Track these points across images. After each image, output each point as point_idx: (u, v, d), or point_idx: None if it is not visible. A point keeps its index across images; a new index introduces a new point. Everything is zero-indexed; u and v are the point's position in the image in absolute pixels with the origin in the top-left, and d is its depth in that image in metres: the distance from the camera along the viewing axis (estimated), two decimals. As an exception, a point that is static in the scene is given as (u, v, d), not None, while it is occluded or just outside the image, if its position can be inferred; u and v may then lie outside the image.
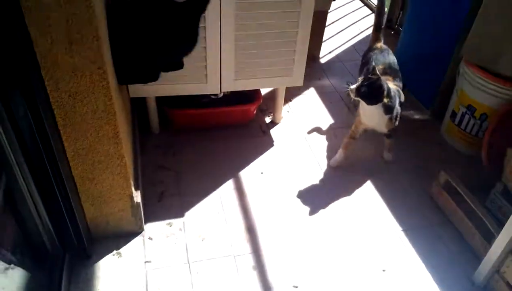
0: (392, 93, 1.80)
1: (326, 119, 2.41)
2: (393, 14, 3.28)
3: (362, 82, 1.75)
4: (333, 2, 2.74)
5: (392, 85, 1.87)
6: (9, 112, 1.15)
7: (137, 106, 2.16)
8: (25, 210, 1.34)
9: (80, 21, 1.09)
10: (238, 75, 1.99)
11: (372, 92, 1.74)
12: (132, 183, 1.57)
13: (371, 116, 1.89)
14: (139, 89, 1.92)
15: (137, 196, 1.62)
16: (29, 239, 1.42)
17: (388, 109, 1.82)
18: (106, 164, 1.44)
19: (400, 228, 1.82)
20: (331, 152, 2.17)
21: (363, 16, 3.54)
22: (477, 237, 1.68)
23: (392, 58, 2.10)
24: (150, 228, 1.72)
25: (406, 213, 1.88)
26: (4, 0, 1.00)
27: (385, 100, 1.76)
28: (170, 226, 1.75)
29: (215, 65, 1.92)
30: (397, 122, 1.92)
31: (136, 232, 1.69)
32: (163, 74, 1.89)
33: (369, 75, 1.74)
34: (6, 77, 1.11)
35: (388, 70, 2.00)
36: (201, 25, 1.77)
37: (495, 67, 1.95)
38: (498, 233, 1.50)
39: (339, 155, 2.07)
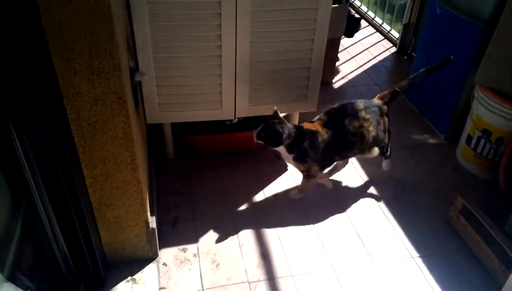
0: (294, 135, 1.82)
1: (339, 144, 2.41)
2: (405, 39, 3.31)
3: (261, 127, 1.83)
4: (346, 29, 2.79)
5: (320, 129, 1.86)
6: (31, 140, 1.18)
7: (153, 132, 2.20)
8: (43, 236, 1.35)
9: (102, 52, 1.13)
10: (253, 101, 2.01)
11: (269, 136, 1.82)
12: (147, 208, 1.59)
13: (284, 156, 1.93)
14: (155, 116, 1.96)
15: (152, 222, 1.63)
16: (46, 265, 1.43)
17: (291, 150, 1.84)
18: (123, 190, 1.46)
19: (417, 254, 1.78)
20: (345, 176, 2.17)
21: (375, 41, 3.58)
22: (496, 263, 1.64)
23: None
24: (165, 254, 1.72)
25: (423, 239, 1.85)
26: (30, 33, 1.05)
27: (285, 142, 1.81)
28: (185, 251, 1.75)
29: (230, 92, 1.95)
30: (308, 164, 1.89)
31: (150, 258, 1.69)
32: (179, 102, 1.94)
33: (270, 119, 1.82)
34: (30, 106, 1.14)
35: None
36: (217, 53, 1.83)
37: (510, 91, 1.95)
38: (519, 260, 1.46)
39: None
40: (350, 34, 3.11)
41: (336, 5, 2.52)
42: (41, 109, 1.18)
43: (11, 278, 1.12)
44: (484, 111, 2.05)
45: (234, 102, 2.00)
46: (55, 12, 1.05)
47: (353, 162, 2.27)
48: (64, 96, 1.19)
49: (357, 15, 3.03)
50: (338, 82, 3.01)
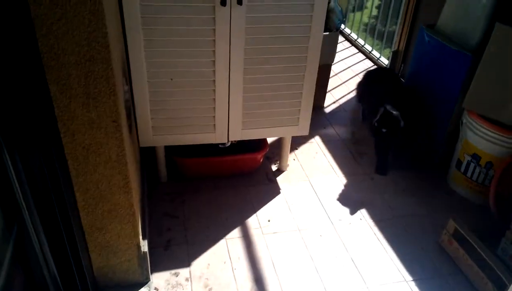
0: None
1: (331, 167, 2.43)
2: (394, 66, 3.39)
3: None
4: (337, 55, 2.85)
5: None
6: (24, 162, 1.18)
7: (146, 155, 2.20)
8: (33, 260, 1.34)
9: (98, 77, 1.15)
10: (246, 125, 2.04)
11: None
12: (140, 232, 1.58)
13: None
14: (148, 139, 1.97)
15: (144, 246, 1.62)
16: (35, 289, 1.40)
17: None
18: (116, 213, 1.45)
19: (410, 278, 1.78)
20: (337, 199, 2.18)
21: (366, 67, 3.66)
22: (489, 286, 1.65)
23: None
24: (156, 278, 1.70)
25: (416, 263, 1.85)
26: (27, 59, 1.07)
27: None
28: (177, 276, 1.73)
29: (223, 115, 1.98)
30: None
31: (142, 282, 1.67)
32: (173, 125, 1.95)
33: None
34: (24, 129, 1.15)
35: None
36: (210, 78, 1.86)
37: (497, 116, 2.00)
38: (511, 282, 1.47)
39: None
40: (383, 170, 2.38)
41: (327, 33, 2.59)
42: (36, 132, 1.19)
43: (0, 303, 1.10)
44: (473, 136, 2.10)
45: (227, 126, 2.02)
46: (52, 39, 1.08)
47: (345, 184, 2.29)
48: (59, 119, 1.20)
49: (395, 112, 2.26)
50: (329, 106, 3.06)
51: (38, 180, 1.24)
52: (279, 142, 2.37)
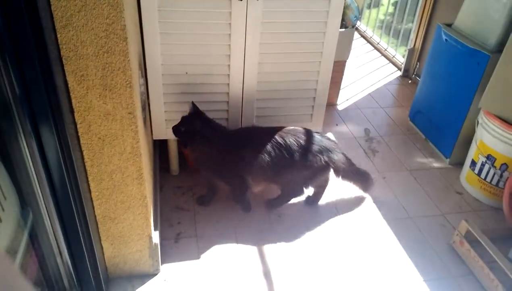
0: None
1: (343, 165, 2.42)
2: (410, 64, 3.36)
3: None
4: (351, 52, 2.83)
5: None
6: (41, 152, 1.20)
7: (159, 148, 2.22)
8: (47, 248, 1.36)
9: (115, 69, 1.16)
10: (259, 120, 2.04)
11: None
12: (151, 223, 1.59)
13: None
14: (162, 132, 1.98)
15: (156, 237, 1.64)
16: (49, 277, 1.43)
17: None
18: (128, 204, 1.47)
19: (421, 278, 1.77)
20: (348, 196, 2.17)
21: (380, 66, 3.63)
22: (500, 288, 1.63)
23: None
24: (166, 269, 1.72)
25: (427, 263, 1.84)
26: (44, 50, 1.08)
27: None
28: (186, 268, 1.74)
29: (237, 110, 1.98)
30: None
31: (152, 274, 1.69)
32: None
33: None
34: (42, 120, 1.17)
35: None
36: (225, 72, 1.86)
37: (514, 118, 1.97)
38: (523, 287, 1.45)
39: None
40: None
41: (343, 29, 2.57)
42: (53, 122, 1.20)
43: None
44: (489, 137, 2.07)
45: (240, 120, 2.02)
46: (72, 31, 1.09)
47: (356, 183, 2.28)
48: (76, 110, 1.21)
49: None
50: (342, 104, 3.04)
51: (54, 169, 1.25)
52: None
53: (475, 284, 1.75)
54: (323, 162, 1.90)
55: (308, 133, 1.92)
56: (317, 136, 1.93)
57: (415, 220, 2.07)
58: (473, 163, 2.19)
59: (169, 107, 1.92)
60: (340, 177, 2.02)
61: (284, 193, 2.04)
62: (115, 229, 1.52)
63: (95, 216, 1.47)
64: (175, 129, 1.85)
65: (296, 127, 1.93)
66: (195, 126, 1.81)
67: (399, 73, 3.48)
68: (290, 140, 1.86)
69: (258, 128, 1.96)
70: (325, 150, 1.90)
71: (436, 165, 2.48)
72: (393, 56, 3.65)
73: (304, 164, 1.88)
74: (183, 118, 1.85)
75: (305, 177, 1.95)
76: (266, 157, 1.83)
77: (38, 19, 1.03)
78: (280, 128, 1.90)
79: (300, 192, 2.05)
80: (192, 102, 1.84)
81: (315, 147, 1.89)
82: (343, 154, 1.99)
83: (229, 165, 1.88)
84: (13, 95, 1.04)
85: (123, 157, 1.34)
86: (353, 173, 2.05)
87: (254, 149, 1.85)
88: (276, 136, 1.86)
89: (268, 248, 1.86)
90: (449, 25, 2.42)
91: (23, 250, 1.21)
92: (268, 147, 1.84)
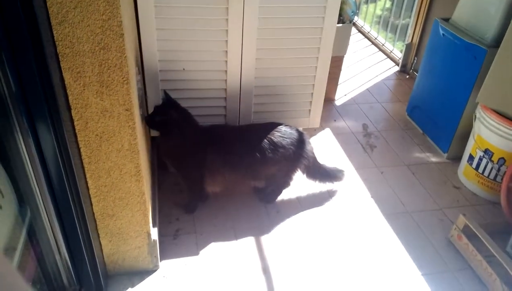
0: None
1: (341, 160, 2.42)
2: (407, 59, 3.35)
3: None
4: (349, 47, 2.83)
5: None
6: (39, 149, 1.20)
7: (156, 145, 2.21)
8: (46, 245, 1.36)
9: (112, 66, 1.15)
10: (257, 116, 2.04)
11: None
12: (150, 220, 1.60)
13: None
14: (160, 128, 1.98)
15: (154, 233, 1.64)
16: (47, 275, 1.43)
17: None
18: (127, 201, 1.47)
19: (419, 272, 1.78)
20: (347, 192, 2.17)
21: (378, 61, 3.63)
22: (498, 282, 1.64)
23: None
24: (165, 266, 1.72)
25: (425, 257, 1.85)
26: (40, 47, 1.08)
27: None
28: (185, 264, 1.74)
29: (235, 106, 1.98)
30: None
31: (151, 270, 1.69)
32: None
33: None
34: (39, 117, 1.17)
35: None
36: (222, 68, 1.86)
37: None
38: (520, 280, 1.46)
39: None
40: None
41: (340, 25, 2.56)
42: (51, 120, 1.20)
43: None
44: (486, 131, 2.07)
45: (238, 116, 2.02)
46: (68, 28, 1.08)
47: (356, 177, 2.28)
48: (73, 107, 1.21)
49: None
50: (340, 99, 3.04)
51: (51, 166, 1.25)
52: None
53: (473, 278, 1.76)
54: (295, 154, 1.91)
55: (280, 128, 1.90)
56: (287, 130, 1.92)
57: (413, 214, 2.08)
58: (471, 157, 2.20)
59: (166, 104, 1.92)
60: (309, 173, 2.03)
61: (272, 187, 2.05)
62: (113, 226, 1.52)
63: (93, 213, 1.47)
64: (148, 120, 1.74)
65: (273, 122, 1.91)
66: (171, 115, 1.73)
67: (397, 68, 3.48)
68: (261, 137, 1.84)
69: (231, 127, 1.95)
70: (296, 142, 1.91)
71: (433, 159, 2.49)
72: (391, 51, 3.65)
73: (276, 159, 1.87)
74: (157, 107, 1.76)
75: (283, 170, 1.95)
76: (232, 156, 1.82)
77: (33, 16, 1.02)
78: (253, 126, 1.90)
79: (286, 184, 2.05)
80: (164, 91, 1.75)
81: (287, 141, 1.89)
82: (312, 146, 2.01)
83: (193, 160, 1.84)
84: (9, 93, 1.04)
85: (120, 154, 1.34)
86: (323, 168, 2.08)
87: (221, 147, 1.83)
88: (247, 134, 1.86)
89: (266, 243, 1.87)
90: (446, 20, 2.42)
91: (22, 247, 1.21)
92: (237, 145, 1.83)
